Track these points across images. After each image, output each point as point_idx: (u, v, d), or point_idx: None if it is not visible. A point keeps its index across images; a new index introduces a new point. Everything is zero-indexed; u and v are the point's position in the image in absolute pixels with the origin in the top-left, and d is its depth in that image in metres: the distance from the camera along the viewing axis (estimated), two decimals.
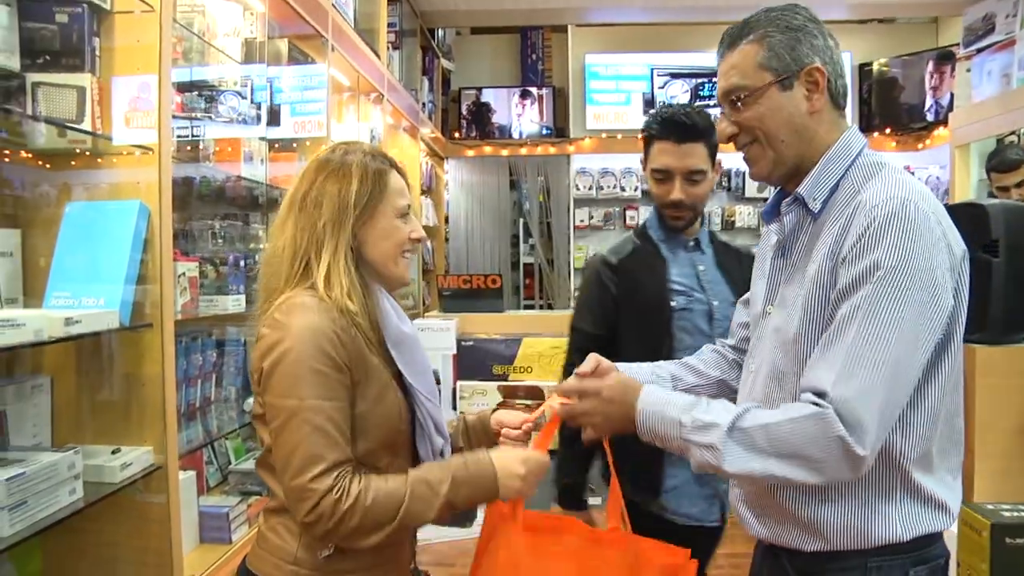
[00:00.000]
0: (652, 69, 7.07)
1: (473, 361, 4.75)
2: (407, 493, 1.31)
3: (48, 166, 1.97)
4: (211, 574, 2.09)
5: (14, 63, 1.79)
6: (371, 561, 1.39)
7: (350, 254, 1.42)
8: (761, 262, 1.53)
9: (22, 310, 1.76)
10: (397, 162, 1.53)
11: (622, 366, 1.59)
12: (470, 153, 7.59)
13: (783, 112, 1.35)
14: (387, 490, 1.31)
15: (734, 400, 1.53)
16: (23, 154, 1.92)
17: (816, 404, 1.22)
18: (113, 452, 1.82)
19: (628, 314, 2.07)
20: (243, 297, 2.53)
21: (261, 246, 2.85)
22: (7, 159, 1.90)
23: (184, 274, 2.16)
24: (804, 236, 1.39)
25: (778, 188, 1.48)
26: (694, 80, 7.04)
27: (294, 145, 3.42)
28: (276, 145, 3.22)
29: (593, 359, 1.51)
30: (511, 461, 1.41)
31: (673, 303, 2.01)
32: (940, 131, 6.35)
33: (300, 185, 1.44)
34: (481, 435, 1.65)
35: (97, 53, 1.91)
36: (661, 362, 1.72)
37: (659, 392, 1.40)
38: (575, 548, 1.49)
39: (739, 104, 1.37)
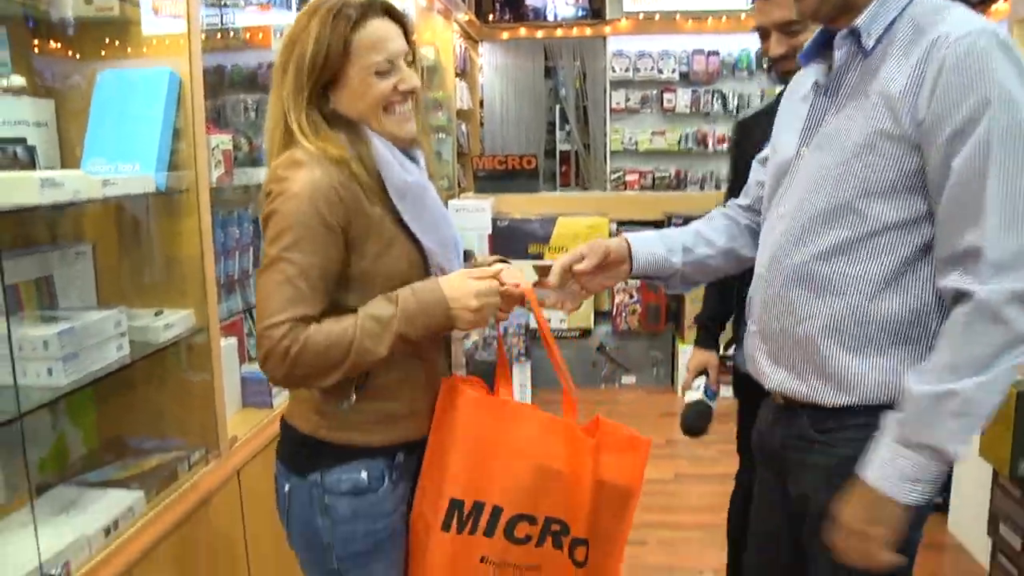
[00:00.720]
0: None
1: (508, 241, 4.78)
2: (356, 332, 1.31)
3: (78, 36, 1.97)
4: (253, 435, 2.19)
5: None
6: (394, 411, 1.45)
7: (318, 118, 1.40)
8: (791, 109, 1.49)
9: (61, 171, 1.80)
10: (381, 5, 1.43)
11: (633, 237, 1.62)
12: (504, 36, 7.42)
13: None
14: (337, 331, 1.31)
15: (742, 266, 1.63)
16: (52, 25, 1.92)
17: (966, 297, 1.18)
18: (156, 314, 1.88)
19: (741, 167, 2.00)
20: None
21: None
22: (37, 30, 1.90)
23: (218, 147, 2.18)
24: (853, 75, 1.32)
25: (820, 28, 1.41)
26: None
27: None
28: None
29: (601, 250, 1.57)
30: (463, 292, 1.37)
31: None
32: (999, 5, 6.04)
33: (284, 49, 1.43)
34: None
35: None
36: (671, 231, 1.68)
37: None
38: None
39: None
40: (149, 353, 1.80)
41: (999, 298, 1.15)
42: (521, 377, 4.54)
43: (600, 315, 5.02)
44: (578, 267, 1.56)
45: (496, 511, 1.43)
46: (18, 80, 1.74)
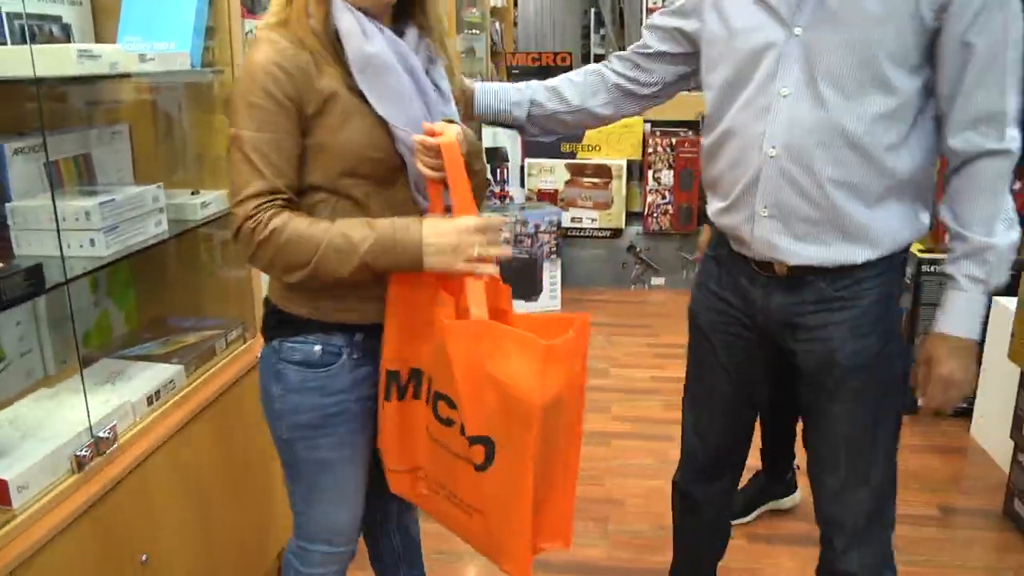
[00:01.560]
0: None
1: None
2: (324, 243, 1.28)
3: None
4: None
5: None
6: (348, 293, 1.40)
7: None
8: None
9: (98, 44, 1.80)
10: None
11: (482, 86, 1.80)
12: None
13: None
14: (305, 233, 1.28)
15: (598, 124, 1.80)
16: None
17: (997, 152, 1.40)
18: (192, 193, 1.91)
19: None
20: None
21: None
22: None
23: (251, 31, 2.16)
24: None
25: None
26: None
27: None
28: None
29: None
30: (444, 235, 1.30)
31: None
32: None
33: None
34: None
35: None
36: (533, 84, 1.79)
37: None
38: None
39: None
40: (187, 230, 1.84)
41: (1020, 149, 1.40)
42: (551, 275, 4.57)
43: (631, 216, 4.99)
44: None
45: (429, 380, 1.39)
46: None
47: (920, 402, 1.56)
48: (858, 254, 1.46)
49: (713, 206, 1.62)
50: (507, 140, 4.68)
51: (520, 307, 4.76)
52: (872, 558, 1.60)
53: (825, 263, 1.48)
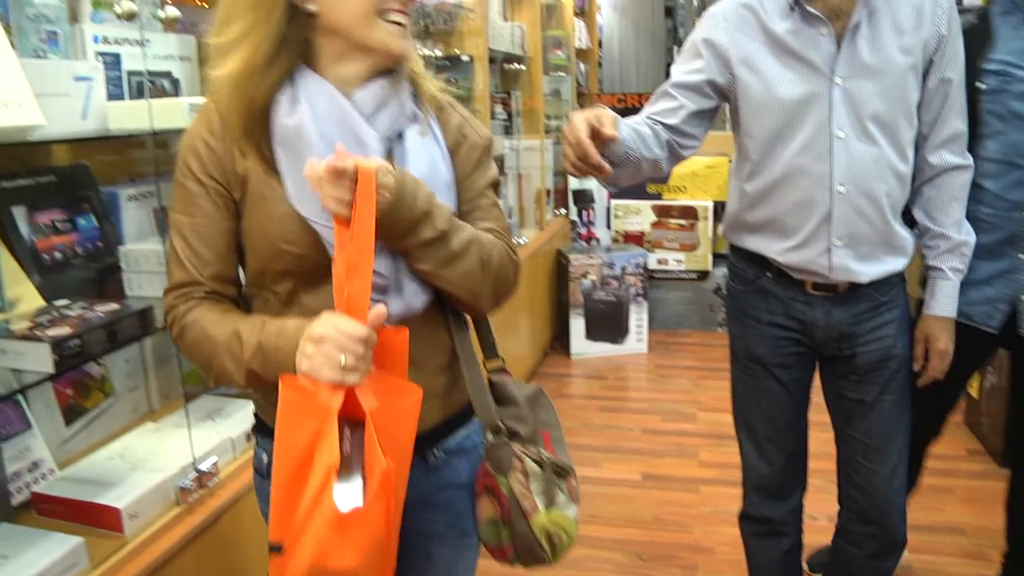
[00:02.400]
0: None
1: None
2: (221, 345, 1.09)
3: None
4: None
5: None
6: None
7: (283, 22, 1.09)
8: (768, 44, 1.64)
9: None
10: None
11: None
12: None
13: None
14: (210, 333, 1.10)
15: (653, 177, 1.82)
16: None
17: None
18: None
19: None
20: None
21: (425, 52, 2.90)
22: None
23: None
24: (877, 16, 1.60)
25: None
26: None
27: None
28: None
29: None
30: (306, 337, 1.02)
31: (981, 84, 1.82)
32: None
33: None
34: None
35: None
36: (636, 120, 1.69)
37: None
38: None
39: None
40: None
41: None
42: (637, 318, 4.55)
43: (718, 257, 4.94)
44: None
45: None
46: (173, 11, 1.85)
47: (920, 376, 1.80)
48: (900, 263, 1.71)
49: (776, 246, 1.71)
50: (593, 182, 4.71)
51: (607, 350, 4.79)
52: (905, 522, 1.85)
53: (880, 276, 1.69)
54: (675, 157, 1.72)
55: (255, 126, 1.11)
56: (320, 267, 1.11)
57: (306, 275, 1.13)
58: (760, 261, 1.76)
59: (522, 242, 4.00)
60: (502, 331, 3.40)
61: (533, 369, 4.29)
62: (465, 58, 3.43)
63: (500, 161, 3.90)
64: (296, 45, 1.11)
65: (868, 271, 1.67)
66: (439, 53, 3.31)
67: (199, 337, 1.11)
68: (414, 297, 1.15)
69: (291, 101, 1.11)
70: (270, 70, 1.09)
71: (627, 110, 5.02)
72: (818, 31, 1.60)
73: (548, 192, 4.72)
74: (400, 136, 1.16)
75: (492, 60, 3.82)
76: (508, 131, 4.27)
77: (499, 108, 4.16)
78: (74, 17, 1.73)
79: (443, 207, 1.12)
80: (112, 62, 1.78)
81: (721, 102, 1.73)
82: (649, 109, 1.74)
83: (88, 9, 1.76)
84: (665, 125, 1.71)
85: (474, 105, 3.44)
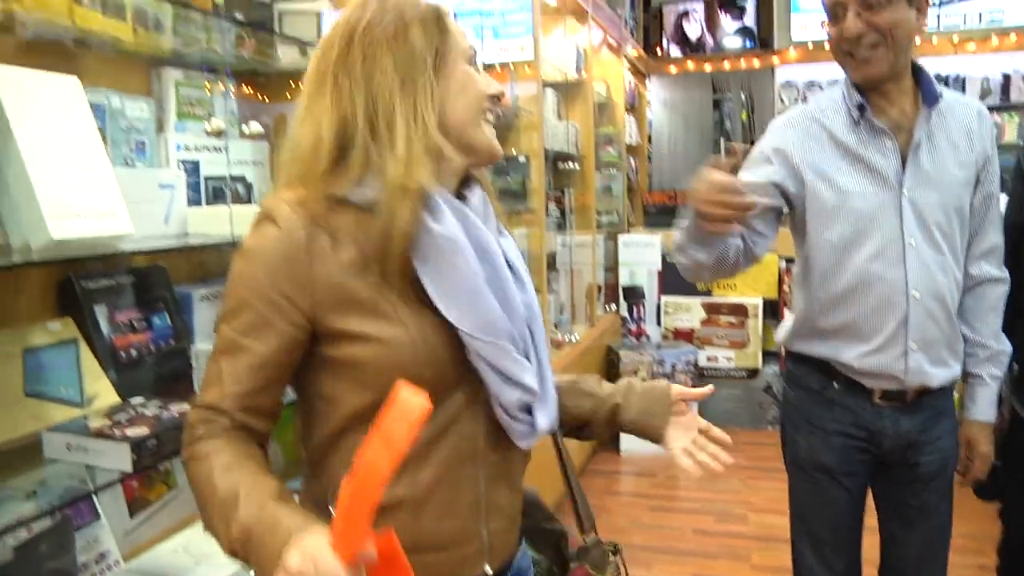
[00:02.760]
0: None
1: (678, 277, 4.75)
2: (217, 501, 0.97)
3: (293, 84, 2.19)
4: None
5: None
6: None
7: (431, 117, 1.03)
8: (834, 148, 1.72)
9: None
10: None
11: None
12: (672, 70, 7.44)
13: (908, 23, 1.61)
14: (212, 480, 0.98)
15: (733, 271, 1.78)
16: (270, 72, 2.14)
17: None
18: None
19: None
20: None
21: None
22: (259, 76, 2.13)
23: None
24: (935, 128, 1.69)
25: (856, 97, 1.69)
26: None
27: (497, 67, 3.50)
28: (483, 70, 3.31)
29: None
30: (291, 550, 0.85)
31: None
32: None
33: (326, 54, 1.06)
34: (642, 418, 1.25)
35: None
36: None
37: None
38: None
39: (875, 6, 1.57)
40: None
41: None
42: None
43: (768, 355, 4.90)
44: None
45: None
46: (257, 127, 1.95)
47: (961, 479, 1.85)
48: (959, 369, 1.77)
49: (852, 351, 1.72)
50: (644, 278, 4.74)
51: (656, 447, 4.66)
52: None
53: (948, 381, 1.74)
54: (748, 254, 1.74)
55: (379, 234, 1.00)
56: (448, 386, 1.04)
57: (442, 400, 1.03)
58: (826, 370, 1.77)
59: (574, 339, 4.02)
60: None
61: (582, 466, 4.26)
62: (521, 158, 3.53)
63: (552, 257, 3.96)
64: None
65: (939, 375, 1.71)
66: None
67: (202, 476, 1.00)
68: (554, 408, 1.12)
69: (453, 210, 1.03)
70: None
71: (676, 208, 5.08)
72: (883, 143, 1.67)
73: (599, 288, 4.77)
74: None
75: (546, 158, 3.92)
76: (561, 227, 4.35)
77: (552, 205, 4.24)
78: (160, 127, 1.85)
79: None
80: (192, 168, 1.89)
81: (781, 207, 1.76)
82: None
83: (173, 119, 1.88)
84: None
85: (530, 202, 3.52)
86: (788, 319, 1.90)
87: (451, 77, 1.06)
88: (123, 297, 1.70)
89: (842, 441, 1.77)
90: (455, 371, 1.03)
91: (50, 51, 1.51)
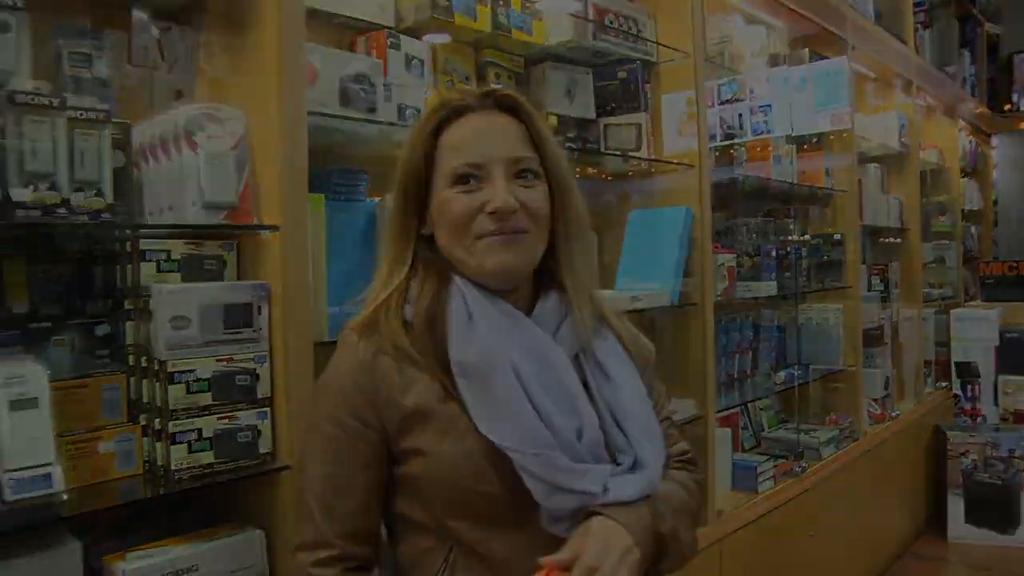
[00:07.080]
0: None
1: (1017, 354, 4.44)
2: None
3: (612, 180, 2.57)
4: (738, 513, 2.50)
5: (591, 113, 2.39)
6: None
7: (419, 244, 1.10)
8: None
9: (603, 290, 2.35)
10: (497, 98, 1.09)
11: None
12: (1022, 126, 6.87)
13: None
14: None
15: None
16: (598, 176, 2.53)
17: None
18: None
19: None
20: (774, 284, 2.89)
21: (791, 238, 3.15)
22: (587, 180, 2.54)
23: (723, 264, 2.58)
24: None
25: None
26: None
27: (815, 140, 3.61)
28: (805, 145, 3.46)
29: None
30: None
31: None
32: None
33: None
34: None
35: (648, 96, 2.42)
36: None
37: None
38: None
39: None
40: None
41: None
42: None
43: None
44: None
45: None
46: None
47: None
48: None
49: None
50: (979, 354, 4.49)
51: (991, 538, 4.35)
52: None
53: None
54: None
55: (435, 347, 1.03)
56: (512, 507, 1.01)
57: (498, 517, 1.03)
58: None
59: (894, 415, 3.94)
60: (872, 505, 3.37)
61: (904, 548, 4.09)
62: (837, 235, 3.60)
63: (879, 330, 3.94)
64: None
65: None
66: (807, 237, 3.46)
67: None
68: (649, 478, 1.07)
69: (466, 326, 1.03)
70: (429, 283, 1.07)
71: (1018, 279, 4.74)
72: None
73: (927, 363, 4.58)
74: (583, 351, 1.09)
75: (863, 232, 3.92)
76: (884, 300, 4.28)
77: (875, 279, 4.21)
78: None
79: (655, 503, 1.04)
80: None
81: None
82: None
83: None
84: None
85: (845, 278, 3.56)
86: None
87: (434, 203, 1.08)
88: None
89: None
90: (513, 491, 1.00)
91: None
